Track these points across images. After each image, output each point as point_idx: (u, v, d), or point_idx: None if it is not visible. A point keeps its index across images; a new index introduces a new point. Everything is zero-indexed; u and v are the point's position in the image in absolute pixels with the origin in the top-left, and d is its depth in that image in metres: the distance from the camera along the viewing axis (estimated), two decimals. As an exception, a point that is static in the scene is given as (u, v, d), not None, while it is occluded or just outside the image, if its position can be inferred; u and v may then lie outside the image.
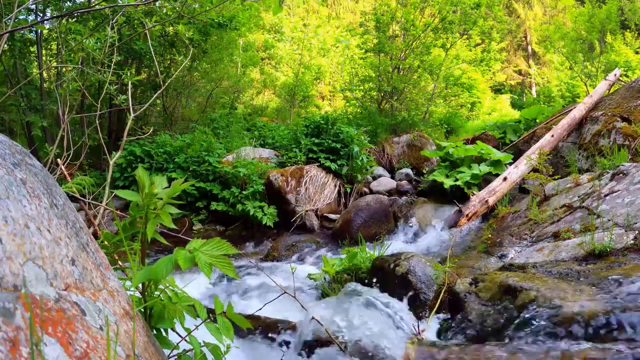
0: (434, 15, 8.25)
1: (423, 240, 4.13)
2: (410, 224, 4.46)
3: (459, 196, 4.62)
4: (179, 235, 2.86)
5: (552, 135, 5.09)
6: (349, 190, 5.41)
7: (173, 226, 1.09)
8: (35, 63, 6.44)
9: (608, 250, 2.24)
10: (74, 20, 5.64)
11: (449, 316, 1.98)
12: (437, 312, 2.00)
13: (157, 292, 1.07)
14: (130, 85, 3.15)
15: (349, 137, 5.43)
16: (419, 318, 2.00)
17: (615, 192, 3.05)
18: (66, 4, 5.80)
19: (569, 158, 5.06)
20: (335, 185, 5.31)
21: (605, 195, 3.08)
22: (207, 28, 6.72)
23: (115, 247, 1.29)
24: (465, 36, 9.64)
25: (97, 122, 3.44)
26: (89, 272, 0.82)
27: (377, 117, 7.67)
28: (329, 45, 15.81)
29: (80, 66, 3.71)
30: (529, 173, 4.15)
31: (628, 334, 1.41)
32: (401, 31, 8.49)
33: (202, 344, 1.05)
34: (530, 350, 1.46)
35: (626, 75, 10.54)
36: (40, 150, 4.40)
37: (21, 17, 5.12)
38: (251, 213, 4.53)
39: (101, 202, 2.48)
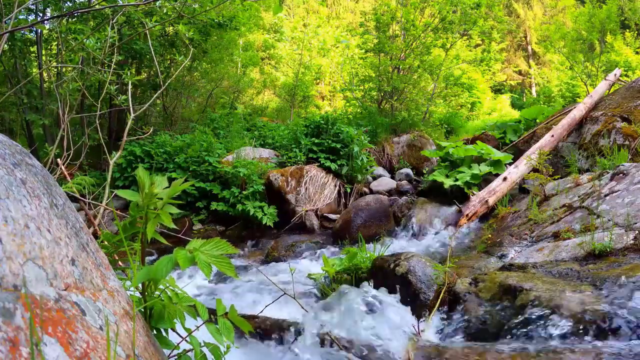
0: (434, 15, 8.25)
1: (423, 240, 4.13)
2: (410, 224, 4.46)
3: (459, 196, 4.62)
4: (179, 235, 2.86)
5: (552, 135, 5.09)
6: (349, 190, 5.41)
7: (173, 226, 1.09)
8: (35, 63, 6.43)
9: (608, 250, 2.24)
10: (74, 20, 5.64)
11: (449, 316, 1.98)
12: (437, 312, 2.00)
13: (157, 292, 1.07)
14: (130, 85, 3.15)
15: (349, 137, 5.43)
16: (419, 318, 2.00)
17: (615, 192, 3.05)
18: (66, 4, 5.79)
19: (569, 158, 5.06)
20: (335, 185, 5.30)
21: (605, 195, 3.08)
22: (207, 28, 6.72)
23: (115, 247, 1.28)
24: (465, 37, 9.64)
25: (97, 122, 3.43)
26: (89, 272, 0.82)
27: (377, 117, 7.67)
28: (329, 45, 15.82)
29: (80, 66, 3.71)
30: (529, 173, 4.15)
31: (628, 334, 1.41)
32: (401, 31, 8.49)
33: (202, 344, 1.05)
34: (530, 349, 1.46)
35: (626, 75, 10.54)
36: (40, 150, 4.40)
37: (21, 17, 5.12)
38: (251, 213, 4.52)
39: (101, 202, 2.48)
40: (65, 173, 2.40)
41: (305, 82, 11.80)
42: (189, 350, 1.05)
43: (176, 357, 1.05)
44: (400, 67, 8.22)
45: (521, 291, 1.81)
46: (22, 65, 6.20)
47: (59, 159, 2.52)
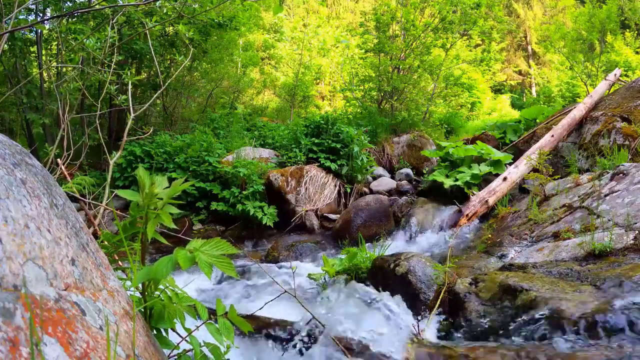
0: (434, 15, 8.25)
1: (423, 240, 4.13)
2: (410, 224, 4.46)
3: (459, 196, 4.62)
4: (179, 235, 2.86)
5: (552, 135, 5.09)
6: (349, 190, 5.41)
7: (173, 226, 1.09)
8: (35, 63, 6.44)
9: (608, 250, 2.24)
10: (74, 20, 5.64)
11: (449, 316, 1.98)
12: (437, 312, 2.00)
13: (157, 292, 1.07)
14: (130, 85, 3.15)
15: (349, 137, 5.43)
16: (419, 318, 2.00)
17: (615, 192, 3.05)
18: (66, 4, 5.80)
19: (569, 158, 5.06)
20: (335, 185, 5.30)
21: (605, 195, 3.08)
22: (207, 28, 6.72)
23: (115, 247, 1.28)
24: (465, 37, 9.64)
25: (97, 122, 3.43)
26: (89, 272, 0.82)
27: (377, 117, 7.67)
28: (329, 45, 15.83)
29: (80, 66, 3.71)
30: (529, 173, 4.15)
31: (627, 334, 1.41)
32: (401, 31, 8.49)
33: (202, 344, 1.05)
34: (530, 349, 1.46)
35: (626, 75, 10.55)
36: (40, 150, 4.40)
37: (21, 17, 5.12)
38: (251, 213, 4.52)
39: (101, 202, 2.48)
40: (65, 173, 2.40)
41: (305, 82, 11.80)
42: (189, 350, 1.05)
43: (176, 357, 1.05)
44: (400, 67, 8.22)
45: (521, 291, 1.81)
46: (22, 65, 6.20)
47: (59, 159, 2.52)
